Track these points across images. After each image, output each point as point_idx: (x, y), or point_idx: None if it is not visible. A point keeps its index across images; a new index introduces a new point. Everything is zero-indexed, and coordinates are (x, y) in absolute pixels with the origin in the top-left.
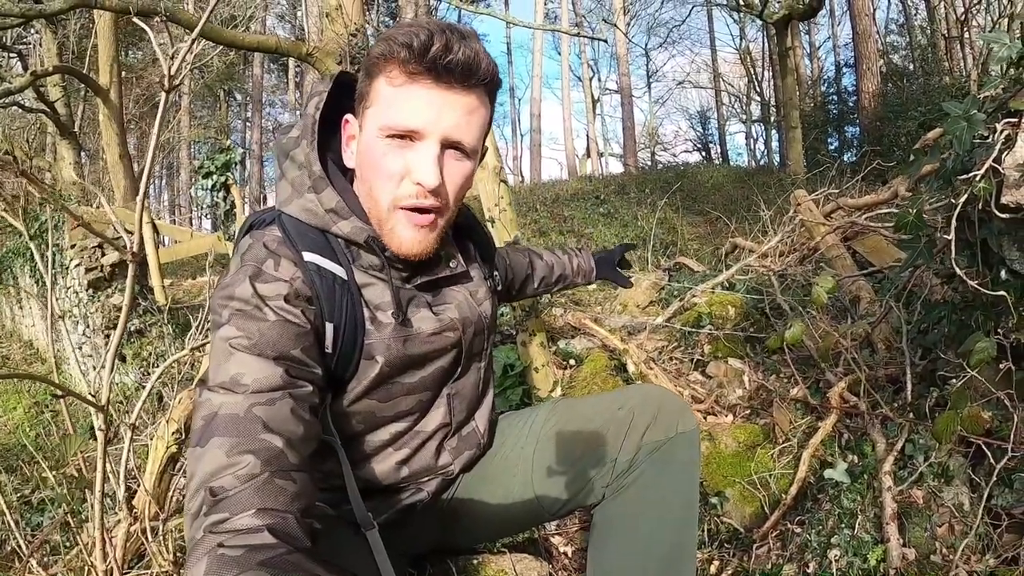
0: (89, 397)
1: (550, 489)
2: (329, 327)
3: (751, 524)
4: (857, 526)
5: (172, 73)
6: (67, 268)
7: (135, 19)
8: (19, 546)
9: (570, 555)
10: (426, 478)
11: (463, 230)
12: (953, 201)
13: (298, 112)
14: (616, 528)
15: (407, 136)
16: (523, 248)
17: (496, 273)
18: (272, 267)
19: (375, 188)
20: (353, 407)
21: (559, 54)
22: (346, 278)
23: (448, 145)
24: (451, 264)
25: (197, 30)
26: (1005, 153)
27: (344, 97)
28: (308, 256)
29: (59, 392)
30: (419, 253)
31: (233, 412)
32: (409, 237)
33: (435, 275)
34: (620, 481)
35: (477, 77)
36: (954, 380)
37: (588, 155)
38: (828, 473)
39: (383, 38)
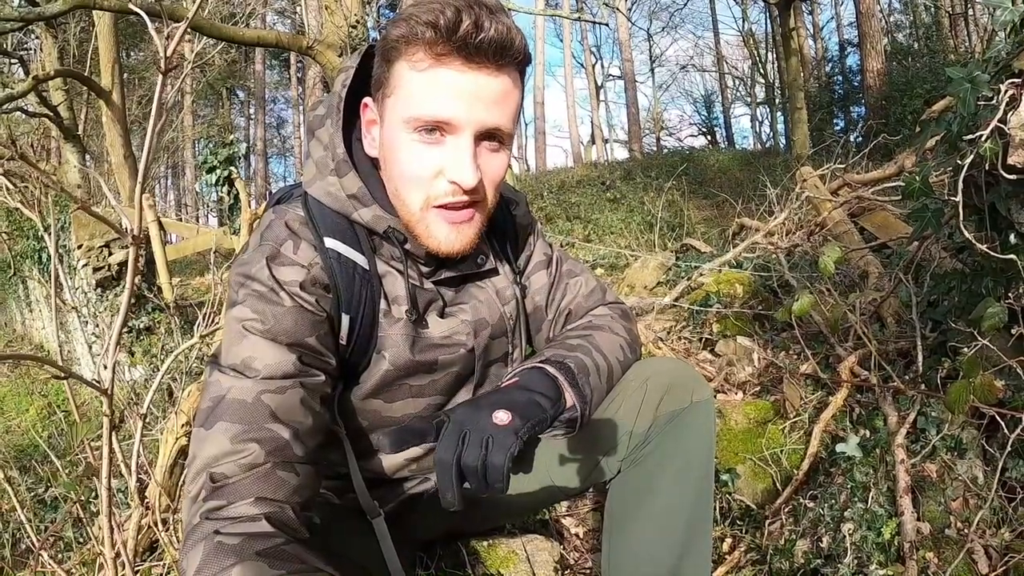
0: (92, 380)
1: (566, 468)
2: (345, 318)
3: (763, 500)
4: (870, 500)
5: (169, 55)
6: (75, 269)
7: (134, 8)
8: (33, 542)
9: (581, 536)
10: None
11: (496, 223)
12: (959, 163)
13: (301, 107)
14: (634, 497)
15: (437, 129)
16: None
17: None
18: (291, 249)
19: (403, 190)
20: (360, 405)
21: (561, 41)
22: (367, 267)
23: (483, 135)
24: (479, 260)
25: (187, 20)
26: (1010, 113)
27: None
28: (329, 242)
29: (61, 373)
30: (460, 251)
31: (241, 397)
32: (446, 235)
33: (460, 271)
34: (637, 453)
35: (510, 55)
36: (966, 350)
37: (593, 142)
38: (840, 447)
39: (401, 18)
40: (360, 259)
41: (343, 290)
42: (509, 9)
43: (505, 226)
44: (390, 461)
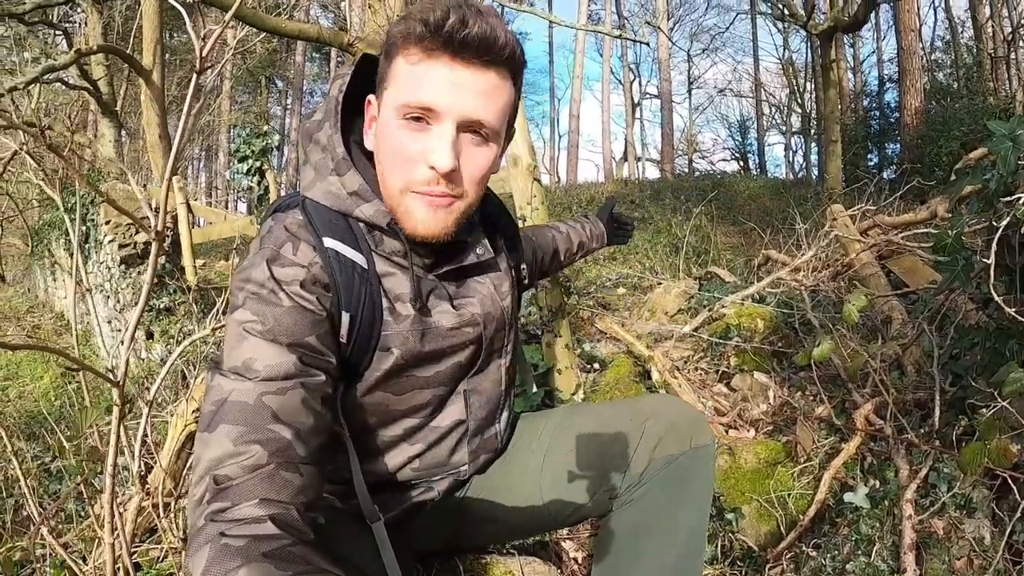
0: (105, 372)
1: (557, 496)
2: (345, 316)
3: (766, 543)
4: (874, 554)
5: (204, 55)
6: (101, 243)
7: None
8: (34, 515)
9: (580, 561)
10: (438, 476)
11: (490, 219)
12: (994, 224)
13: None
14: (620, 542)
15: (423, 117)
16: (542, 225)
17: (524, 266)
18: (290, 251)
19: (388, 171)
20: (366, 399)
21: (600, 56)
22: (366, 266)
23: (466, 127)
24: (478, 251)
25: (231, 13)
26: None
27: (370, 80)
28: (328, 242)
29: (74, 366)
30: (437, 234)
31: (243, 400)
32: (423, 217)
33: (461, 263)
34: (629, 495)
35: (495, 52)
36: (984, 409)
37: (625, 159)
38: (848, 497)
39: (402, 18)
40: (359, 259)
41: (343, 288)
42: (551, 22)
43: (504, 226)
44: (392, 460)
